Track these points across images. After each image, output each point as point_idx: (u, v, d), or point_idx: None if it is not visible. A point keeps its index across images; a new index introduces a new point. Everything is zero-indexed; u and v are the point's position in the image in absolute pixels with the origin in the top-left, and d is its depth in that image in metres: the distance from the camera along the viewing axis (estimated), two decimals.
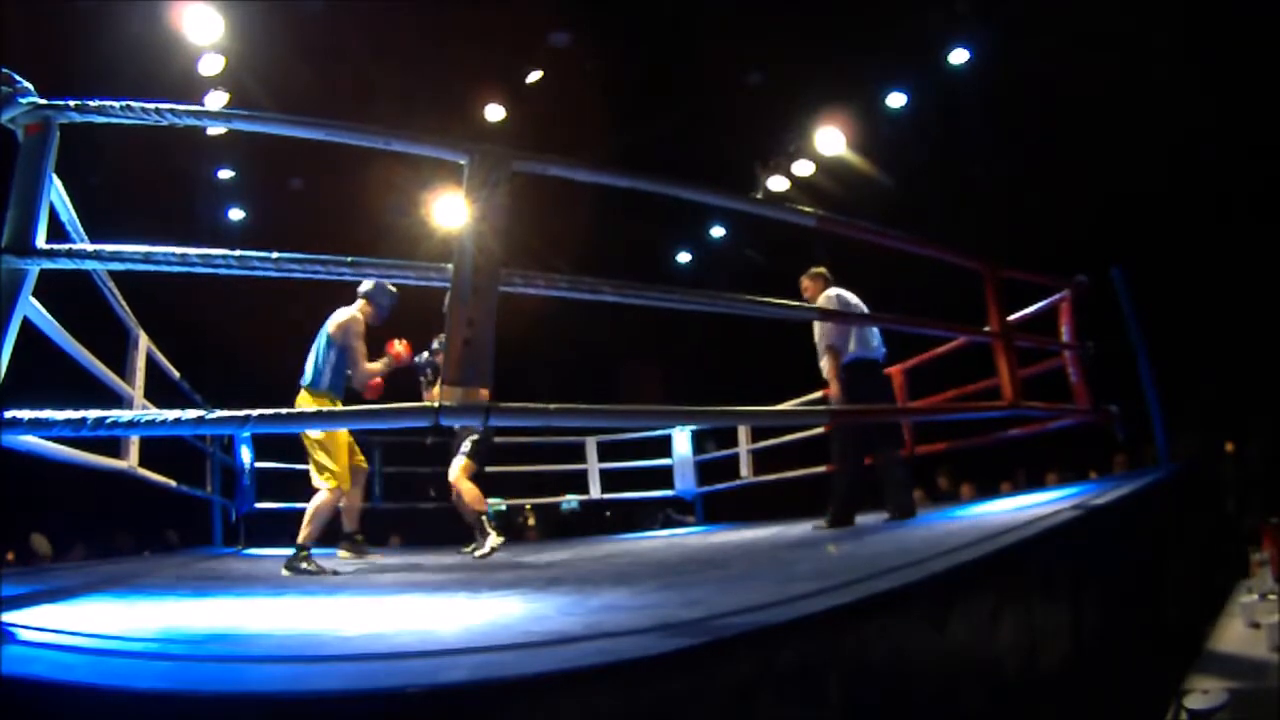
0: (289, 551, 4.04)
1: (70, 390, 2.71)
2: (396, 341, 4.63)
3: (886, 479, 4.75)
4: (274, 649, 1.72)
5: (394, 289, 4.59)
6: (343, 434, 4.40)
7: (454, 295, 2.19)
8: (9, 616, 1.71)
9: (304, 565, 3.91)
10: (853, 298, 4.88)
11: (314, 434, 4.31)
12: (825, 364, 4.71)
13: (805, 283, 5.02)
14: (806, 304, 4.82)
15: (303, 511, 4.28)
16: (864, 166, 9.76)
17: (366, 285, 4.52)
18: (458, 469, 4.83)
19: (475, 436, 4.89)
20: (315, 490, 4.32)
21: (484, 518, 4.59)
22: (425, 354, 5.03)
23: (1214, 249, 7.97)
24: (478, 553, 4.49)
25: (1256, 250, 7.61)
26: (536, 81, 9.50)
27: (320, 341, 4.42)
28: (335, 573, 3.84)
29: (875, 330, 4.85)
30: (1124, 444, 5.93)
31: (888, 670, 1.68)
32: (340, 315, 4.44)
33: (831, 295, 4.84)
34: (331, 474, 4.29)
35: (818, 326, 4.75)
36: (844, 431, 4.74)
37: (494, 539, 4.46)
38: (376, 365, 4.49)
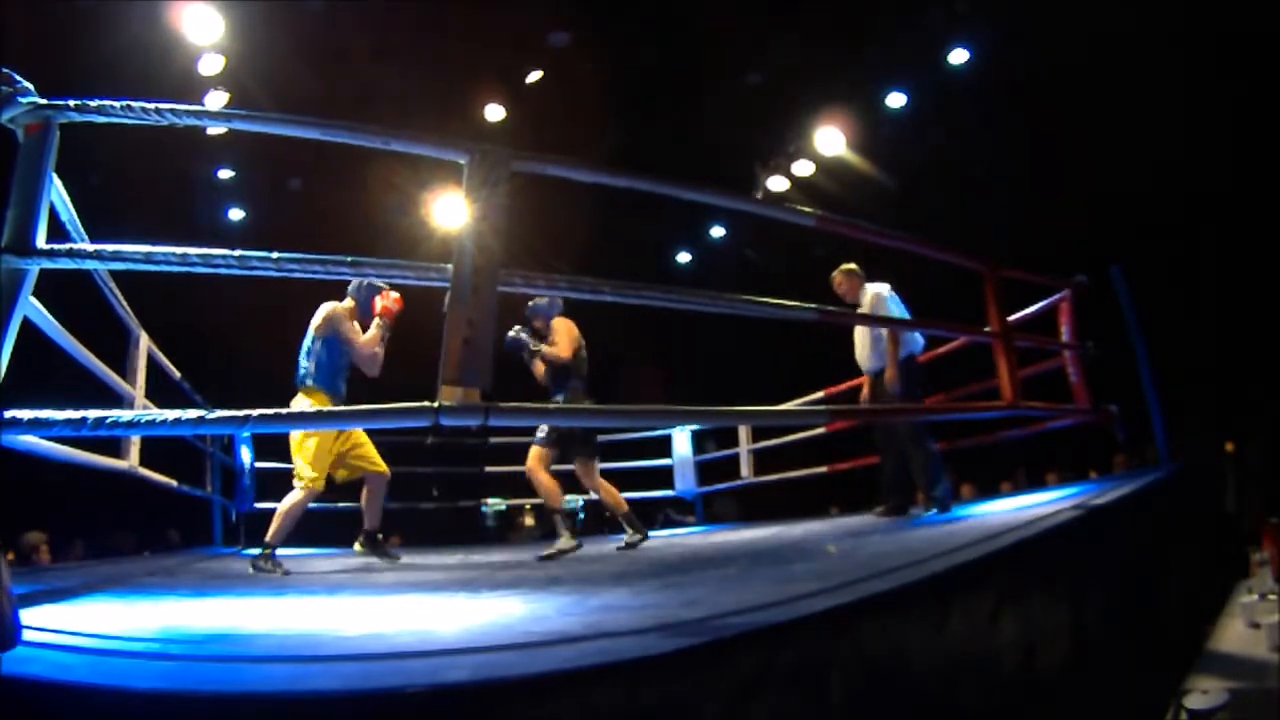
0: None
1: (70, 390, 2.71)
2: (380, 297, 4.34)
3: (891, 480, 4.78)
4: (274, 649, 1.72)
5: (380, 284, 4.36)
6: (325, 441, 4.20)
7: (454, 295, 2.19)
8: None
9: (264, 565, 3.84)
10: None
11: (295, 435, 4.23)
12: (892, 350, 4.70)
13: (839, 278, 4.99)
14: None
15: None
16: (864, 166, 9.77)
17: (351, 285, 4.42)
18: (530, 458, 4.48)
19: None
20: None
21: (558, 516, 4.25)
22: (515, 331, 4.55)
23: (1214, 249, 7.97)
24: (543, 553, 4.22)
25: (1256, 251, 7.61)
26: (536, 81, 9.50)
27: (306, 339, 4.31)
28: (287, 573, 3.77)
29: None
30: (1124, 444, 5.93)
31: (888, 670, 1.68)
32: (322, 309, 4.31)
33: (877, 291, 4.84)
34: (305, 477, 4.17)
35: (877, 318, 4.76)
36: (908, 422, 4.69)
37: (565, 541, 4.16)
38: (372, 334, 4.29)
